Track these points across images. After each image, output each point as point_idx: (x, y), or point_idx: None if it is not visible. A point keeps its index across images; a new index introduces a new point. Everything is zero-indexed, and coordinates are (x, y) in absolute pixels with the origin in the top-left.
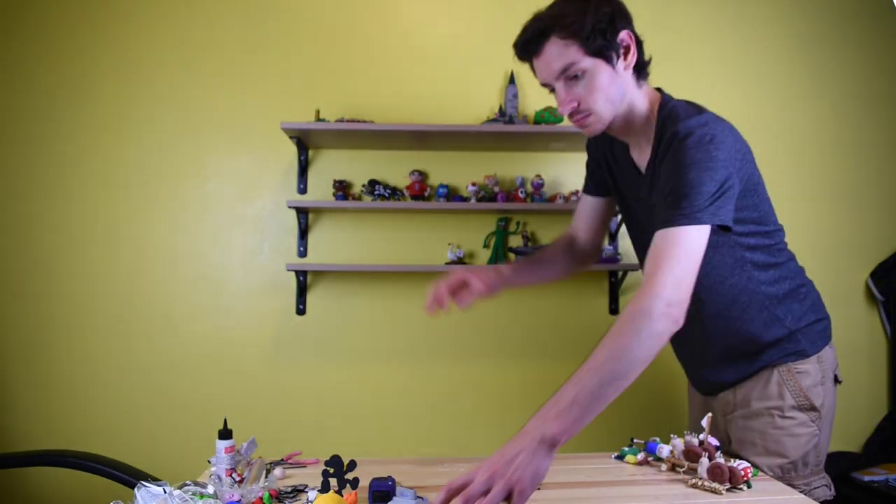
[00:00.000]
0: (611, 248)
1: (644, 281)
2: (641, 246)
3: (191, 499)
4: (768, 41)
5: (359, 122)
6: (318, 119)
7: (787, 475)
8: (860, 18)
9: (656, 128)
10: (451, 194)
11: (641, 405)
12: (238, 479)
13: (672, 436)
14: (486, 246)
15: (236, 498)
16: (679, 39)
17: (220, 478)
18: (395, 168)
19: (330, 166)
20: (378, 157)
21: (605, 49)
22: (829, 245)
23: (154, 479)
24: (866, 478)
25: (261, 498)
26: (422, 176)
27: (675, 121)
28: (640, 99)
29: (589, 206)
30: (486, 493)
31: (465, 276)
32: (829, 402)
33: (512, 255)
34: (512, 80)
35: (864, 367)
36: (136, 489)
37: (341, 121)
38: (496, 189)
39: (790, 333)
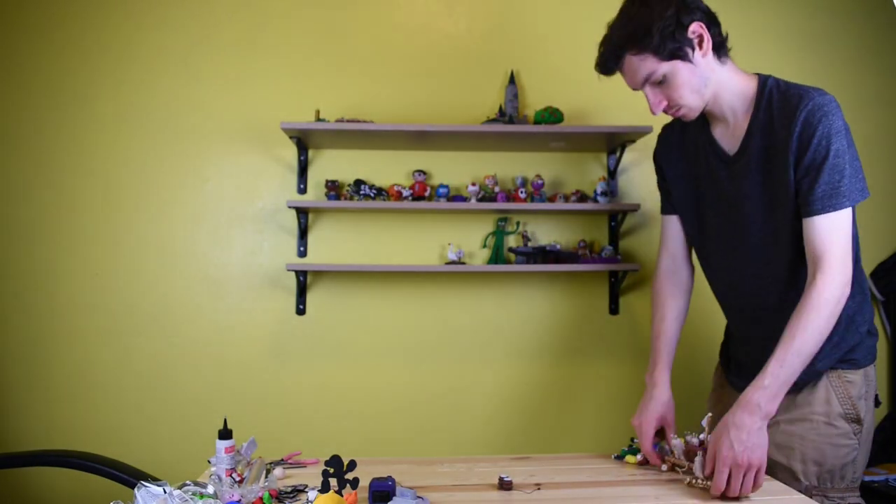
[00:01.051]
0: (610, 248)
1: (817, 264)
2: (715, 253)
3: (191, 499)
4: (768, 41)
5: (359, 122)
6: (318, 119)
7: (822, 485)
8: (860, 18)
9: (758, 102)
10: (452, 194)
11: None
12: (238, 479)
13: (672, 436)
14: (484, 246)
15: (236, 498)
16: None
17: (220, 478)
18: (395, 168)
19: (330, 166)
20: (378, 157)
21: (678, 50)
22: None
23: (154, 479)
24: (866, 478)
25: (261, 498)
26: (424, 176)
27: (784, 94)
28: (727, 76)
29: (675, 228)
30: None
31: (655, 423)
32: (870, 420)
33: (512, 256)
34: (512, 80)
35: None
36: (136, 489)
37: (341, 121)
38: (496, 189)
39: (859, 341)
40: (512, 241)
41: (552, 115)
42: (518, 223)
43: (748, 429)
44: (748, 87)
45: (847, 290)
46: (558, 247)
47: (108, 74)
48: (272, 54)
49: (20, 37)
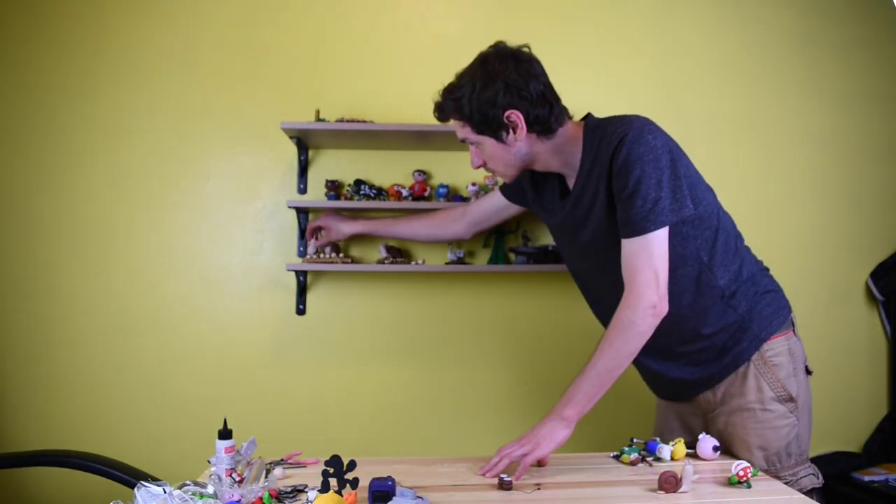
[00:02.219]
0: None
1: (626, 287)
2: (577, 262)
3: (191, 499)
4: (768, 41)
5: (359, 122)
6: (318, 119)
7: (772, 467)
8: (861, 18)
9: (584, 144)
10: (452, 194)
11: (640, 405)
12: (238, 479)
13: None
14: (486, 246)
15: (236, 498)
16: (678, 40)
17: (220, 478)
18: (395, 168)
19: (330, 166)
20: (378, 157)
21: (490, 129)
22: (829, 245)
23: (154, 479)
24: (866, 478)
25: (261, 498)
26: (424, 176)
27: (603, 131)
28: (551, 144)
29: (496, 205)
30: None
31: (321, 223)
32: (805, 393)
33: (512, 255)
34: None
35: (864, 367)
36: (136, 489)
37: (341, 121)
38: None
39: (744, 321)
40: (512, 240)
41: None
42: (519, 223)
43: (539, 425)
44: (577, 138)
45: (655, 311)
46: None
47: (108, 74)
48: (272, 54)
49: (19, 36)
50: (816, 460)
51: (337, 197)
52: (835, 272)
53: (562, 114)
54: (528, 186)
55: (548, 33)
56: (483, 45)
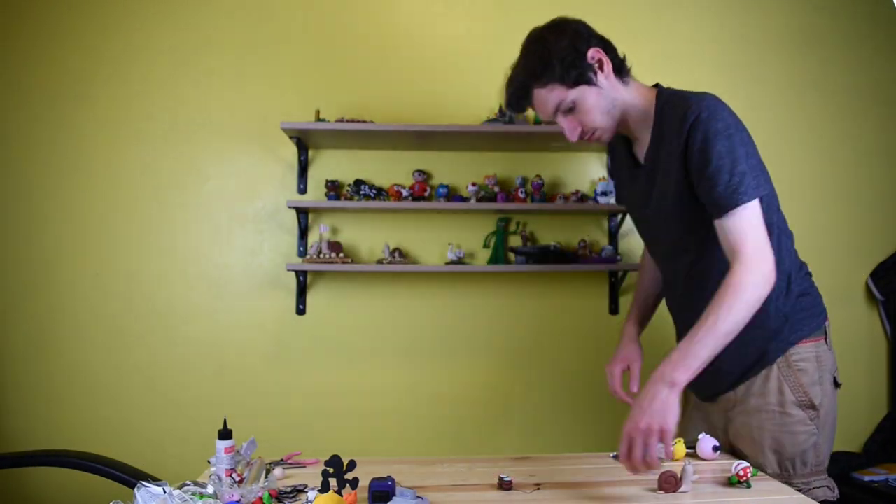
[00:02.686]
0: (610, 248)
1: (734, 261)
2: (648, 239)
3: (191, 499)
4: (768, 41)
5: (359, 122)
6: (318, 119)
7: (784, 472)
8: (861, 18)
9: (655, 116)
10: (451, 194)
11: None
12: (238, 479)
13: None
14: (486, 246)
15: (236, 498)
16: (678, 40)
17: (219, 478)
18: (395, 168)
19: (330, 166)
20: (378, 157)
21: (581, 76)
22: (829, 245)
23: (154, 479)
24: (866, 478)
25: (261, 498)
26: (424, 176)
27: (674, 107)
28: (631, 95)
29: None
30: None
31: (621, 366)
32: (829, 404)
33: (512, 256)
34: None
35: (864, 367)
36: (136, 489)
37: (341, 121)
38: (496, 189)
39: (782, 322)
40: (512, 241)
41: None
42: (519, 223)
43: (650, 397)
44: (649, 102)
45: (771, 278)
46: (558, 247)
47: (109, 75)
48: (272, 54)
49: (20, 37)
50: None
51: (337, 197)
52: (835, 272)
53: (625, 62)
54: (614, 171)
55: None
56: (483, 44)
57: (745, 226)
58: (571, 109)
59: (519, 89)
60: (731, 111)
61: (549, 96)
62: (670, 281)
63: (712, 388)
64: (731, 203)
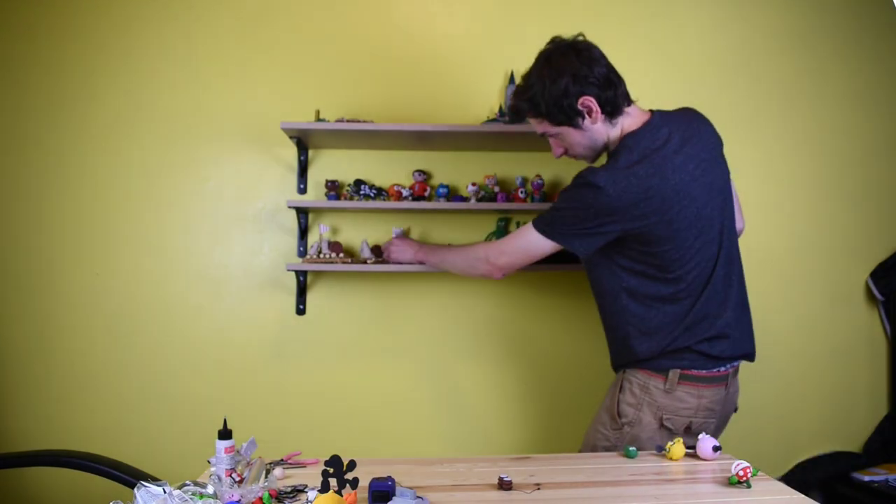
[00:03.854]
0: None
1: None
2: None
3: (191, 499)
4: (768, 41)
5: (359, 122)
6: (318, 119)
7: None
8: (861, 18)
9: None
10: (452, 194)
11: None
12: (238, 479)
13: None
14: None
15: (236, 498)
16: (678, 41)
17: (219, 478)
18: (395, 168)
19: (330, 166)
20: (378, 157)
21: (567, 119)
22: (829, 245)
23: (154, 479)
24: (866, 478)
25: (261, 498)
26: (424, 176)
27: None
28: (619, 131)
29: None
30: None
31: None
32: (638, 429)
33: None
34: (512, 80)
35: (864, 367)
36: (136, 489)
37: (341, 121)
38: (496, 189)
39: (626, 336)
40: None
41: None
42: (518, 223)
43: (404, 246)
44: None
45: (486, 270)
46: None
47: (108, 74)
48: (272, 54)
49: (20, 36)
50: (816, 460)
51: (337, 197)
52: (835, 272)
53: (626, 93)
54: None
55: (546, 34)
56: (483, 45)
57: (519, 239)
58: (557, 136)
59: (515, 110)
60: (629, 190)
61: (537, 125)
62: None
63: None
64: (532, 221)
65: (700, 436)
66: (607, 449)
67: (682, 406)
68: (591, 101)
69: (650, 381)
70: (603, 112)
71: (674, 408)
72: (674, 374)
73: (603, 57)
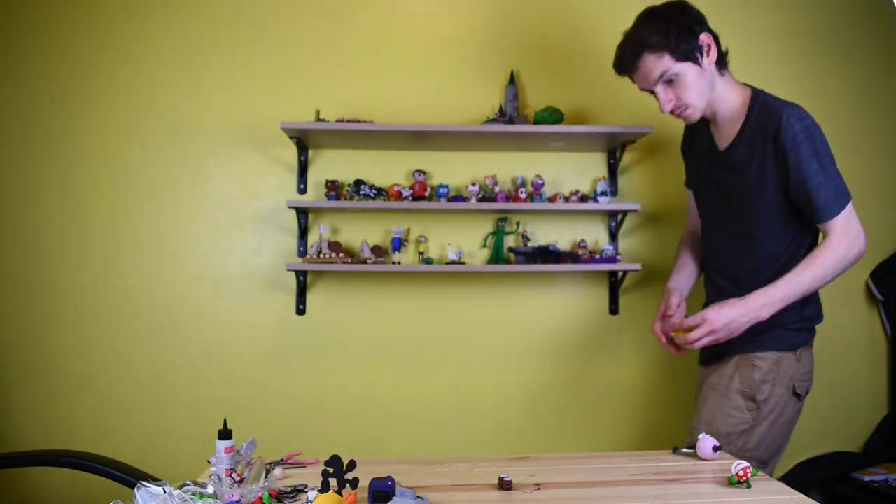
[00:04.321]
0: (610, 248)
1: (830, 236)
2: (707, 225)
3: (191, 499)
4: (768, 42)
5: (359, 122)
6: (318, 119)
7: None
8: (861, 19)
9: (749, 113)
10: (452, 194)
11: (638, 408)
12: (238, 479)
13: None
14: (484, 246)
15: (236, 498)
16: None
17: (219, 478)
18: (395, 168)
19: (330, 166)
20: (378, 157)
21: (690, 53)
22: None
23: (154, 479)
24: (866, 478)
25: (261, 498)
26: (424, 176)
27: (772, 112)
28: (724, 86)
29: (694, 202)
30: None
31: (663, 310)
32: (776, 406)
33: (511, 256)
34: (512, 80)
35: (864, 367)
36: (135, 489)
37: (341, 121)
38: (496, 189)
39: (772, 327)
40: (512, 241)
41: (552, 115)
42: (518, 223)
43: (738, 314)
44: (741, 97)
45: (861, 251)
46: (558, 247)
47: (109, 75)
48: (272, 54)
49: (21, 38)
50: (816, 460)
51: (337, 197)
52: None
53: (727, 55)
54: (689, 150)
55: (547, 34)
56: (483, 45)
57: (847, 219)
58: (672, 82)
59: (633, 50)
60: (814, 120)
61: (657, 63)
62: (717, 248)
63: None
64: (836, 210)
65: (700, 436)
66: (745, 431)
67: (807, 371)
68: (710, 39)
69: (783, 354)
70: (718, 55)
71: (802, 374)
72: (805, 342)
73: None
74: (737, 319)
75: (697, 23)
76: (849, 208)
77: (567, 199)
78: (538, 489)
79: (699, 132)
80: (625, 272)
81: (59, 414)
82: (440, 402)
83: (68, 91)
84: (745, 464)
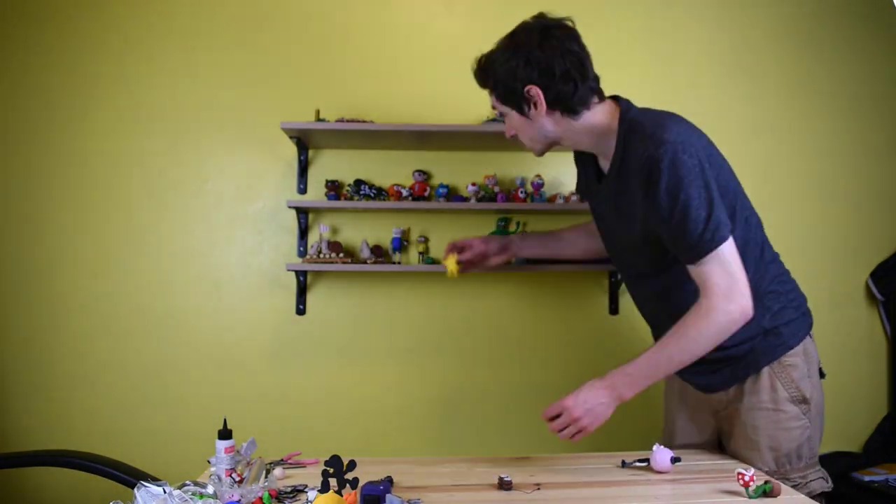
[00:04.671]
0: None
1: (704, 295)
2: (609, 248)
3: (191, 499)
4: (768, 42)
5: (359, 122)
6: (318, 119)
7: (781, 469)
8: (860, 19)
9: (617, 140)
10: (451, 194)
11: (640, 408)
12: (238, 479)
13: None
14: None
15: (236, 498)
16: (678, 41)
17: (219, 478)
18: (395, 168)
19: (330, 166)
20: (378, 157)
21: (512, 102)
22: (829, 245)
23: (154, 479)
24: (866, 478)
25: (261, 498)
26: (424, 176)
27: (637, 136)
28: (579, 126)
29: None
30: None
31: (470, 241)
32: (818, 396)
33: None
34: None
35: (864, 367)
36: (136, 489)
37: (341, 121)
38: (496, 189)
39: (767, 330)
40: None
41: None
42: (518, 223)
43: (596, 397)
44: (608, 125)
45: (748, 311)
46: None
47: (109, 74)
48: (272, 54)
49: (20, 37)
50: None
51: (337, 197)
52: (835, 272)
53: (588, 94)
54: (580, 170)
55: None
56: (483, 45)
57: (718, 268)
58: (504, 115)
59: (476, 77)
60: (696, 140)
61: (490, 97)
62: (640, 297)
63: (709, 387)
64: (703, 251)
65: (655, 447)
66: (810, 438)
67: (816, 348)
68: (536, 92)
69: (805, 343)
70: (550, 108)
71: (816, 352)
72: (810, 321)
73: (575, 51)
74: (596, 402)
75: (527, 70)
76: (725, 248)
77: (567, 200)
78: (538, 489)
79: (582, 162)
80: None
81: (59, 414)
82: (440, 402)
83: (67, 91)
84: (743, 470)
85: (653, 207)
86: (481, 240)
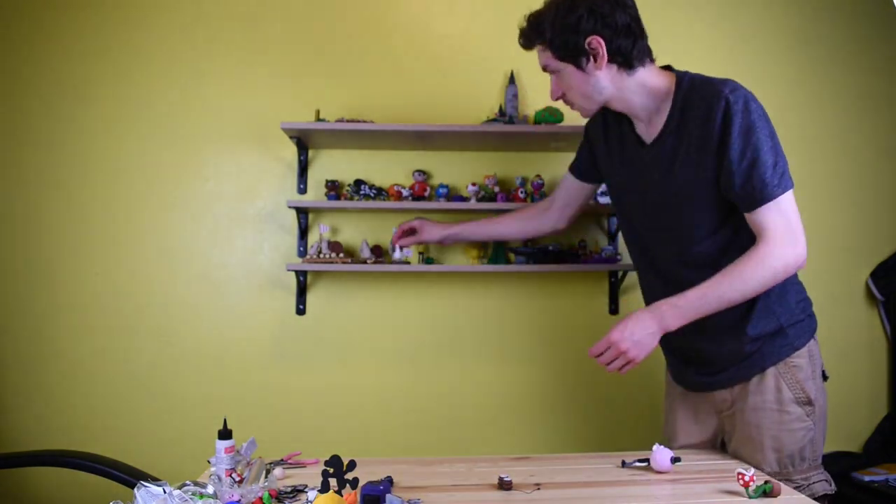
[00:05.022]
0: (611, 248)
1: (761, 237)
2: (634, 223)
3: (191, 499)
4: (767, 41)
5: (359, 122)
6: (318, 119)
7: (784, 470)
8: (860, 18)
9: (674, 102)
10: (451, 194)
11: (641, 408)
12: (238, 479)
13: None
14: (484, 246)
15: (236, 498)
16: (677, 41)
17: (219, 478)
18: (395, 168)
19: (330, 166)
20: (378, 157)
21: (570, 55)
22: (829, 245)
23: (154, 479)
24: (866, 478)
25: (261, 498)
26: (424, 176)
27: (700, 93)
28: (635, 84)
29: (571, 186)
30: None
31: (415, 224)
32: (822, 399)
33: (512, 255)
34: (512, 80)
35: (864, 367)
36: (135, 489)
37: (341, 121)
38: (496, 189)
39: (780, 329)
40: (512, 241)
41: (552, 115)
42: None
43: (643, 327)
44: (663, 87)
45: (802, 257)
46: (558, 247)
47: (109, 75)
48: (272, 54)
49: (22, 37)
50: None
51: (337, 197)
52: (835, 272)
53: (645, 51)
54: (598, 139)
55: None
56: (483, 45)
57: (778, 216)
58: (558, 73)
59: (525, 36)
60: (754, 97)
61: (541, 54)
62: (655, 264)
63: (706, 385)
64: (767, 197)
65: (655, 447)
66: (813, 440)
67: (819, 350)
68: (599, 43)
69: (810, 344)
70: (611, 61)
71: (820, 355)
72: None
73: (633, 6)
74: (644, 333)
75: (590, 21)
76: (788, 197)
77: None
78: (538, 489)
79: (612, 127)
80: (625, 272)
81: (58, 414)
82: (440, 402)
83: (67, 91)
84: (753, 470)
85: (723, 150)
86: (420, 222)
